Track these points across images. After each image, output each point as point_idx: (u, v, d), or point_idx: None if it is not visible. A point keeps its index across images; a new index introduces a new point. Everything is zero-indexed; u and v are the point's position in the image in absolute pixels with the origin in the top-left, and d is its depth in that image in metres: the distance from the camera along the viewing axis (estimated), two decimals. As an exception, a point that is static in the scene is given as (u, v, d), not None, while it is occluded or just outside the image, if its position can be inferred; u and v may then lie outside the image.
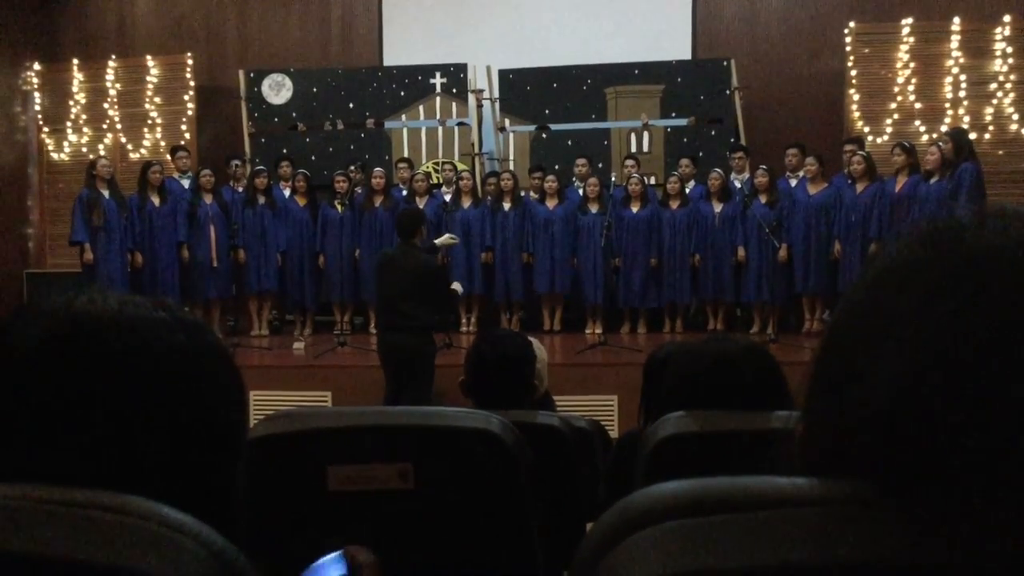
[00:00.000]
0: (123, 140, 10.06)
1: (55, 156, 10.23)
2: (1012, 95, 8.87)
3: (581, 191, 8.61)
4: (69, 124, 10.14)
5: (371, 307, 8.18)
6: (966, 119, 8.85)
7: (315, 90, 9.79)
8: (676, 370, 1.88)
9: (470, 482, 1.65)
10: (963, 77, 8.94)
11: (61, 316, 0.72)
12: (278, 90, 9.81)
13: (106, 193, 8.30)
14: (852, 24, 9.20)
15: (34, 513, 0.58)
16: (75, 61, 10.10)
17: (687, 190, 8.53)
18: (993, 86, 8.91)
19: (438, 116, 9.70)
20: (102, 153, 9.44)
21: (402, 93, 9.71)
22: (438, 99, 9.70)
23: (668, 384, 1.88)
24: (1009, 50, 8.87)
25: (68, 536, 0.57)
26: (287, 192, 8.77)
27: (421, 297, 5.65)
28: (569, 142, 9.49)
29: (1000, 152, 8.87)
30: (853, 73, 9.17)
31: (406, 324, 5.67)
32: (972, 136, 8.18)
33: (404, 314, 5.65)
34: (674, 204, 8.39)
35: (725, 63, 9.35)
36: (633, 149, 9.32)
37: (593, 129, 9.53)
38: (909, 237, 0.59)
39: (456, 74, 9.66)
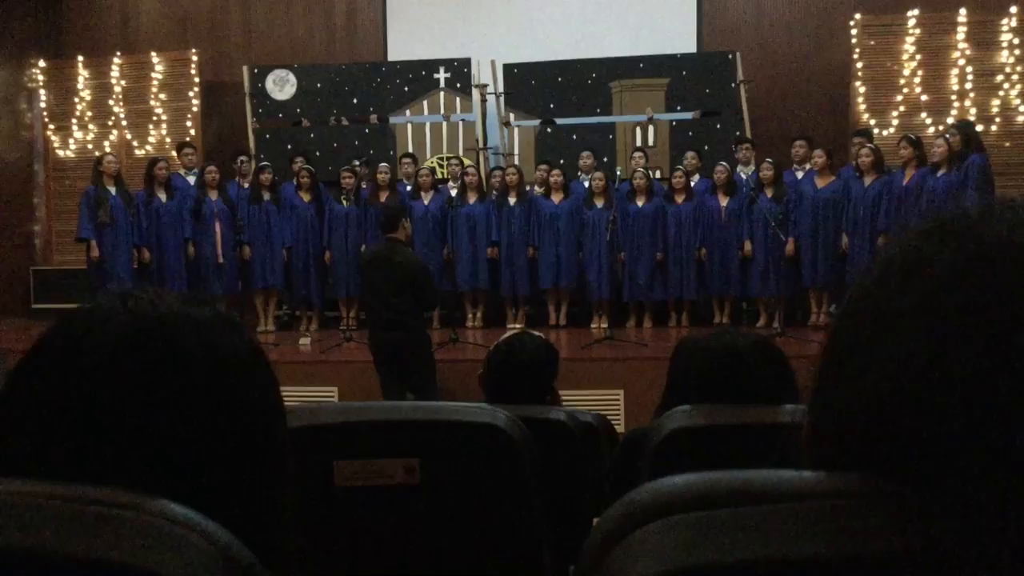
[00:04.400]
0: (128, 137, 10.08)
1: (61, 153, 10.25)
2: (1019, 87, 8.84)
3: (587, 184, 8.59)
4: (74, 121, 10.16)
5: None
6: (972, 111, 8.82)
7: (319, 86, 9.79)
8: (684, 364, 1.88)
9: (476, 477, 1.65)
10: (969, 69, 8.91)
11: (140, 315, 0.73)
12: (282, 86, 9.81)
13: (112, 190, 8.32)
14: (858, 16, 9.17)
15: (40, 510, 0.58)
16: (80, 58, 10.12)
17: (693, 184, 8.50)
18: (1000, 78, 8.88)
19: (442, 111, 9.69)
20: (108, 150, 9.45)
21: (406, 88, 9.70)
22: (442, 94, 9.69)
23: (676, 378, 1.88)
24: (1015, 41, 8.83)
25: (74, 532, 0.57)
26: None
27: (410, 293, 5.69)
28: (574, 136, 9.46)
29: (1007, 144, 8.84)
30: (859, 65, 9.14)
31: (399, 321, 5.71)
32: (979, 128, 8.15)
33: (396, 311, 5.69)
34: (679, 198, 8.36)
35: (730, 56, 9.32)
36: (638, 143, 9.29)
37: (598, 123, 9.51)
38: (917, 230, 0.58)
39: (460, 69, 9.65)
